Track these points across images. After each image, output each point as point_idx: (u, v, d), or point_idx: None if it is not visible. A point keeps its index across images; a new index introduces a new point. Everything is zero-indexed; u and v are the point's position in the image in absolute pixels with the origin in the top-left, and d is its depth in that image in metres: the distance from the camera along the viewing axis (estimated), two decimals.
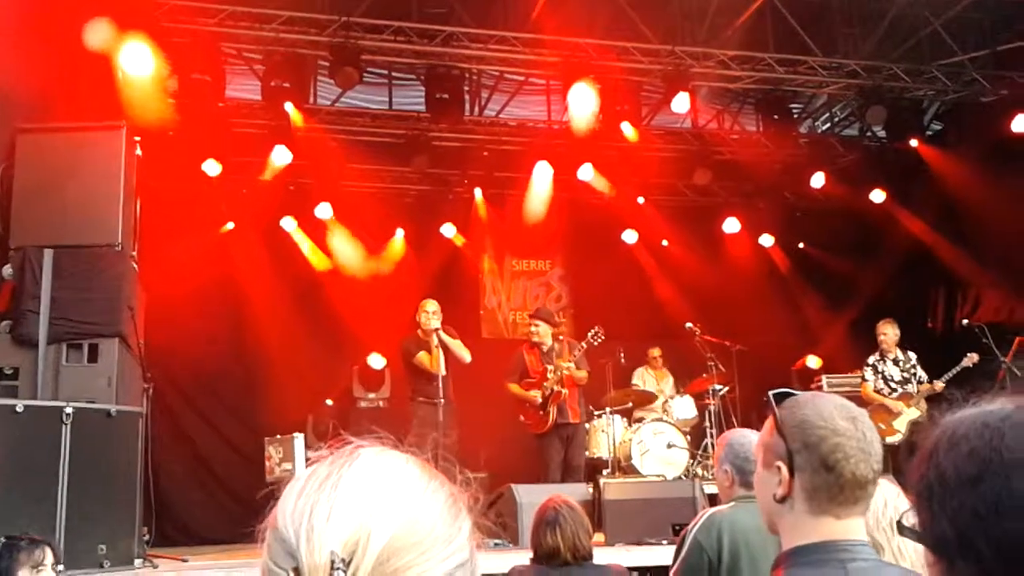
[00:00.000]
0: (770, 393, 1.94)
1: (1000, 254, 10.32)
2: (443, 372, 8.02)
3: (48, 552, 3.84)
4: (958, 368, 8.66)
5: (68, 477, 5.37)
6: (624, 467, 8.95)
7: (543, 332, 8.69)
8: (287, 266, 11.20)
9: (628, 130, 10.24)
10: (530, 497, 6.76)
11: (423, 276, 11.27)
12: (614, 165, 11.09)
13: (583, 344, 8.61)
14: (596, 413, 9.30)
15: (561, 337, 8.85)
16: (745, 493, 3.36)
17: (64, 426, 5.43)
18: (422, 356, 8.21)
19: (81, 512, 5.38)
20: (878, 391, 8.98)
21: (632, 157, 10.85)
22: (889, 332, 9.08)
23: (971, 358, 8.60)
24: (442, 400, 7.92)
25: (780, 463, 1.86)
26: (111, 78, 7.90)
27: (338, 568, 0.90)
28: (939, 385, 8.77)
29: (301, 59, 9.18)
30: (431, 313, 8.19)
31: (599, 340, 8.65)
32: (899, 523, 1.16)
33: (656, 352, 10.77)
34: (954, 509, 1.00)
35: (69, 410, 5.49)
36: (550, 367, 8.51)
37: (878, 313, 9.59)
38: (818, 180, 11.31)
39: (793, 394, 1.94)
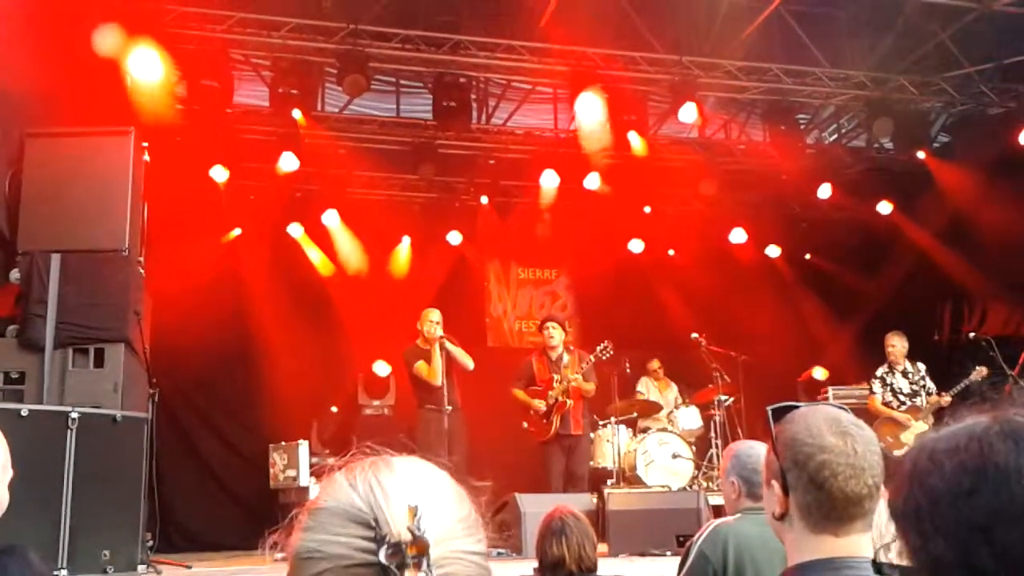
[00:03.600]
0: (768, 408, 1.93)
1: (1007, 267, 10.28)
2: (440, 382, 8.03)
3: None
4: (966, 382, 8.63)
5: (73, 482, 5.38)
6: (628, 477, 8.93)
7: (558, 336, 8.70)
8: (293, 273, 11.21)
9: (635, 139, 10.24)
10: (534, 507, 6.75)
11: (429, 284, 11.29)
12: (621, 174, 11.09)
13: (592, 357, 8.61)
14: (601, 423, 9.29)
15: (572, 348, 8.87)
16: (752, 505, 3.34)
17: (69, 431, 5.44)
18: (420, 366, 8.24)
19: (85, 517, 5.38)
20: (886, 404, 8.95)
21: (639, 166, 10.84)
22: (897, 344, 9.05)
23: (980, 372, 8.56)
24: (449, 408, 7.94)
25: (775, 481, 1.85)
26: (120, 83, 7.93)
27: (419, 516, 0.92)
28: (946, 399, 8.74)
29: (309, 66, 9.20)
30: (434, 323, 8.23)
31: (608, 355, 8.66)
32: (875, 563, 1.14)
33: (655, 364, 10.74)
34: (950, 526, 0.97)
35: (75, 415, 5.49)
36: (557, 376, 8.52)
37: (884, 325, 9.56)
38: (825, 191, 11.30)
39: (794, 407, 1.92)
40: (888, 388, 9.02)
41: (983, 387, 8.32)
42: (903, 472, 1.05)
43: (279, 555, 1.02)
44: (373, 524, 0.93)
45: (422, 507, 0.93)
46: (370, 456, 1.05)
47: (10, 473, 2.45)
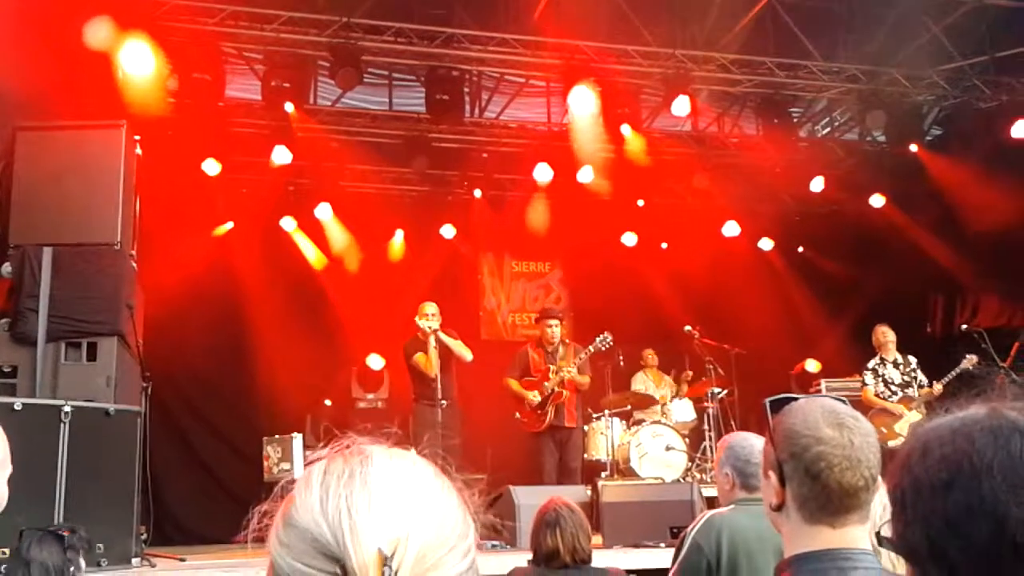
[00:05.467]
0: (766, 401, 1.93)
1: (999, 259, 10.32)
2: (436, 373, 8.04)
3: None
4: (957, 370, 8.67)
5: (66, 476, 5.36)
6: (622, 469, 8.95)
7: (559, 332, 8.74)
8: (286, 266, 11.20)
9: (628, 133, 10.24)
10: (528, 499, 6.75)
11: (422, 277, 11.28)
12: (614, 168, 11.09)
13: (590, 348, 8.63)
14: (595, 415, 9.30)
15: (567, 341, 8.88)
16: (745, 496, 3.36)
17: (62, 425, 5.42)
18: (419, 358, 8.25)
19: (78, 511, 5.36)
20: (878, 395, 8.98)
21: (632, 160, 10.84)
22: (889, 333, 9.11)
23: (970, 360, 8.61)
24: (444, 402, 7.95)
25: (772, 472, 1.86)
26: (111, 77, 7.90)
27: (387, 564, 0.90)
28: (937, 388, 8.77)
29: (302, 59, 9.18)
30: (430, 315, 8.24)
31: (607, 346, 8.67)
32: (878, 534, 1.15)
33: (649, 353, 10.74)
34: (926, 516, 0.99)
35: (67, 409, 5.48)
36: (552, 367, 8.54)
37: (877, 317, 9.59)
38: (818, 184, 11.32)
39: (793, 399, 1.93)
40: (880, 379, 9.04)
41: (976, 378, 8.34)
42: (900, 457, 1.07)
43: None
44: (336, 562, 0.91)
45: (398, 537, 0.91)
46: (354, 448, 1.01)
47: (9, 468, 2.44)
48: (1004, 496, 0.94)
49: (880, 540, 1.13)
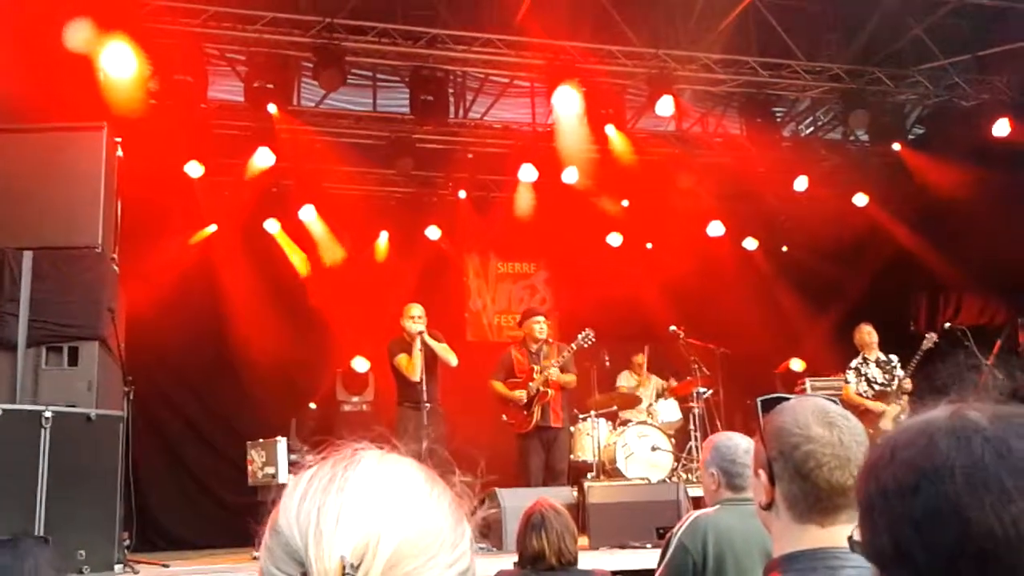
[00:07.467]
0: (758, 400, 1.93)
1: (982, 257, 10.37)
2: (421, 376, 7.99)
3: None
4: (920, 353, 8.75)
5: (47, 482, 5.32)
6: (608, 470, 8.94)
7: (546, 330, 8.71)
8: (270, 269, 11.14)
9: (612, 133, 10.24)
10: (514, 501, 6.73)
11: (407, 279, 11.24)
12: (598, 168, 11.08)
13: (572, 346, 8.60)
14: (581, 416, 9.29)
15: (551, 340, 8.86)
16: (731, 496, 3.36)
17: (43, 430, 5.39)
18: (401, 359, 8.19)
19: (60, 517, 5.32)
20: (860, 393, 9.01)
21: (616, 160, 10.84)
22: (871, 334, 9.15)
23: (930, 338, 8.74)
24: (427, 405, 7.90)
25: (762, 471, 1.85)
26: (92, 79, 7.84)
27: (348, 574, 0.89)
28: (906, 381, 8.83)
29: (285, 60, 9.12)
30: (416, 318, 8.19)
31: (589, 342, 8.63)
32: (850, 538, 1.15)
33: (640, 359, 10.73)
34: (892, 520, 0.99)
35: (48, 414, 5.44)
36: (536, 367, 8.52)
37: (861, 316, 9.64)
38: (801, 183, 11.35)
39: (784, 399, 1.92)
40: (863, 378, 9.08)
41: (957, 374, 8.37)
42: (867, 463, 1.07)
43: (256, 553, 1.00)
44: (302, 568, 0.91)
45: (366, 544, 0.90)
46: (347, 453, 1.00)
47: None
48: (967, 499, 0.94)
49: (852, 544, 1.13)
